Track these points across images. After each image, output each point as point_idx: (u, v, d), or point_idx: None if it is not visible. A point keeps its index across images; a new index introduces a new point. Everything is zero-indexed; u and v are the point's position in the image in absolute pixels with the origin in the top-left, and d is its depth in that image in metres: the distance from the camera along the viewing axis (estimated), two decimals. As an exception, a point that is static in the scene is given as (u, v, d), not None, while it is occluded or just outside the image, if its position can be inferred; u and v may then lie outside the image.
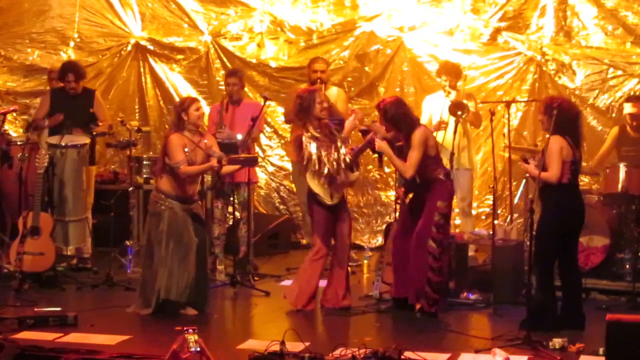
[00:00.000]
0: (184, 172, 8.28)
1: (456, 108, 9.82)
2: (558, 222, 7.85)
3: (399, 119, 8.39)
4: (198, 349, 6.24)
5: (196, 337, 6.28)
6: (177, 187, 8.35)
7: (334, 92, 10.61)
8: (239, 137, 9.72)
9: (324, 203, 8.57)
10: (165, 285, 8.26)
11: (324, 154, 8.46)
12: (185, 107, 8.41)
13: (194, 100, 8.57)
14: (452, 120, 9.83)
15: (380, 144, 8.46)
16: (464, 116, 9.86)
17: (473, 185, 10.69)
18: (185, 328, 6.36)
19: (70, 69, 10.58)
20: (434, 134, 9.80)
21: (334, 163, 8.48)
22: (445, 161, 9.36)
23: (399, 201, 8.58)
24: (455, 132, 9.76)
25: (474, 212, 10.97)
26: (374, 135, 8.49)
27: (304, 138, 8.51)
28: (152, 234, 8.40)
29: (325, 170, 8.44)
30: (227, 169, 8.60)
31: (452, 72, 10.22)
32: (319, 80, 10.43)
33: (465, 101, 10.00)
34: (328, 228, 8.67)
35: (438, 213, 8.31)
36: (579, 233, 8.20)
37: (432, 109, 10.23)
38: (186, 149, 8.25)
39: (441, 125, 9.96)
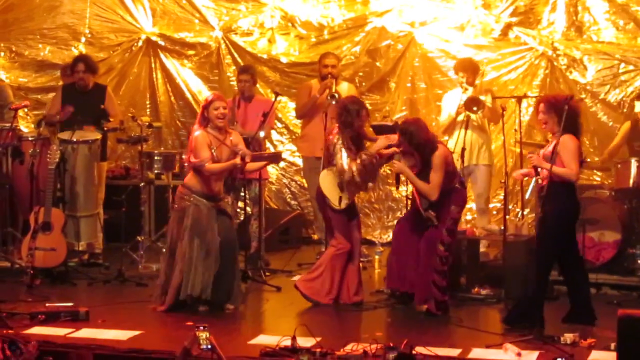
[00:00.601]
0: (209, 170, 8.26)
1: (472, 103, 9.81)
2: (568, 220, 7.82)
3: (422, 143, 8.35)
4: (209, 346, 6.24)
5: (207, 334, 6.27)
6: (203, 184, 8.34)
7: (344, 88, 10.60)
8: (262, 134, 9.72)
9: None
10: (191, 282, 8.22)
11: (355, 167, 8.47)
12: (206, 104, 8.41)
13: (217, 98, 8.44)
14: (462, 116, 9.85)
15: (400, 166, 8.47)
16: (479, 112, 9.85)
17: (491, 182, 10.58)
18: (196, 325, 6.36)
19: (82, 59, 10.61)
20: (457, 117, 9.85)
21: (366, 177, 8.53)
22: (456, 157, 9.37)
23: (430, 223, 8.48)
24: (467, 127, 9.77)
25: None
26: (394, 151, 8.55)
27: (340, 146, 8.53)
28: (175, 230, 8.39)
29: (358, 181, 8.50)
30: (251, 166, 8.59)
31: (469, 68, 10.19)
32: (329, 76, 10.42)
33: (482, 97, 9.98)
34: (344, 224, 8.69)
35: (450, 218, 8.33)
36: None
37: (452, 105, 10.19)
38: (213, 149, 8.25)
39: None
